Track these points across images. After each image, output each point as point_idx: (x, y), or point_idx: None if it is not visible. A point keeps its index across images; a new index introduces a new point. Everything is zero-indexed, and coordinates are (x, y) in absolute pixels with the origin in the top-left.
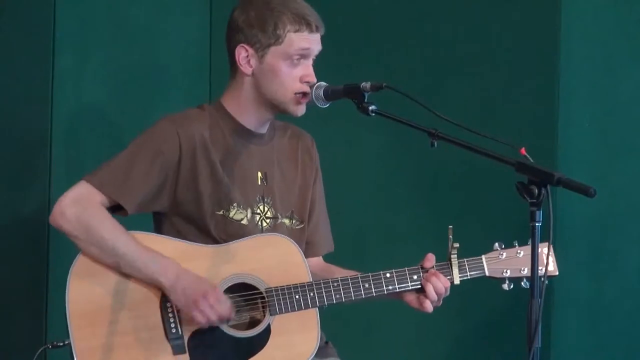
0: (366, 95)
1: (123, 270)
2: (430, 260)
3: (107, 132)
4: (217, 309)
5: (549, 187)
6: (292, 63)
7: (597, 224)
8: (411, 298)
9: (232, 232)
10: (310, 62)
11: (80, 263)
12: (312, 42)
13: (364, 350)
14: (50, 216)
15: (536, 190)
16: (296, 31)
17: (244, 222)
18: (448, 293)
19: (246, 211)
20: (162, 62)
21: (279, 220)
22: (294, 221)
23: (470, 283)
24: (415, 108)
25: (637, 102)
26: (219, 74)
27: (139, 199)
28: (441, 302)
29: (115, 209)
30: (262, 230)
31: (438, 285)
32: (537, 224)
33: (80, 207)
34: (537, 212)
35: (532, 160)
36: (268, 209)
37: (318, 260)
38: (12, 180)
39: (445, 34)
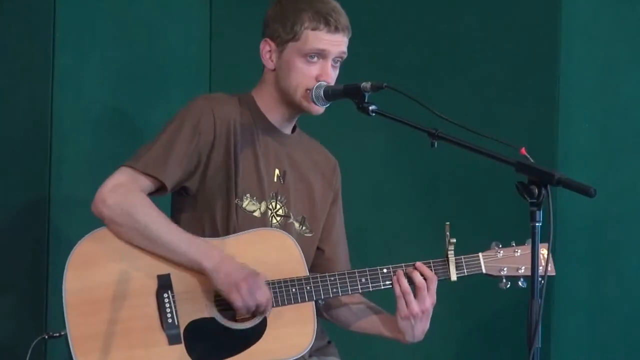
0: (366, 95)
1: (162, 255)
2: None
3: (107, 131)
4: (256, 295)
5: (549, 187)
6: (308, 61)
7: (597, 224)
8: (393, 323)
9: (243, 222)
10: (328, 62)
11: (77, 254)
12: (329, 42)
13: (365, 351)
14: (92, 204)
15: (536, 190)
16: (313, 29)
17: (256, 214)
18: (432, 281)
19: (260, 204)
20: (162, 62)
21: (290, 220)
22: (303, 227)
23: (470, 284)
24: (415, 108)
25: (637, 102)
26: (219, 73)
27: (179, 175)
28: (433, 298)
29: (154, 192)
30: (271, 226)
31: (402, 283)
32: (537, 224)
33: (121, 193)
34: (537, 212)
35: (532, 160)
36: (280, 207)
37: None
38: (12, 179)
39: (445, 34)
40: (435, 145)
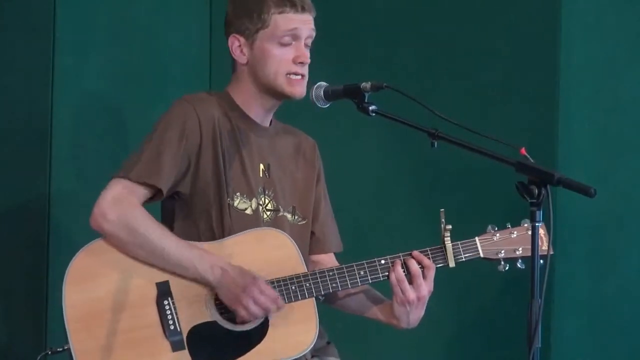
0: (366, 95)
1: (167, 268)
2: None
3: (107, 131)
4: (260, 302)
5: (549, 187)
6: (282, 45)
7: (597, 224)
8: (389, 308)
9: (237, 221)
10: (301, 43)
11: (74, 269)
12: (299, 21)
13: (365, 352)
14: (91, 219)
15: (536, 190)
16: (280, 12)
17: (248, 211)
18: (430, 269)
19: (250, 201)
20: (162, 62)
21: (280, 214)
22: (296, 217)
23: (469, 283)
24: (415, 108)
25: (637, 102)
26: (219, 73)
27: (173, 180)
28: (429, 286)
29: (150, 199)
30: (263, 222)
31: (398, 273)
32: (537, 224)
33: (121, 208)
34: (537, 212)
35: (532, 160)
36: (269, 201)
37: (329, 258)
38: (12, 179)
39: (445, 34)
40: (435, 146)
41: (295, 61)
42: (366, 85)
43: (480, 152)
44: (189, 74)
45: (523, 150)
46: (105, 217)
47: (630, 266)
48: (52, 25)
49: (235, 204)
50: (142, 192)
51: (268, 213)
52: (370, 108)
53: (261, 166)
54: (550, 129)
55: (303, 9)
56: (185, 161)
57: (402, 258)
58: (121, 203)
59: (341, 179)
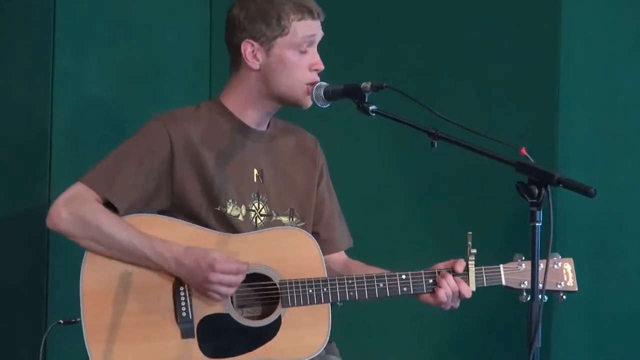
0: (366, 95)
1: (127, 260)
2: (459, 265)
3: (107, 132)
4: (226, 283)
5: (549, 187)
6: (300, 52)
7: (597, 224)
8: (426, 297)
9: (231, 228)
10: (315, 49)
11: None
12: (315, 28)
13: (366, 351)
14: (47, 219)
15: (536, 190)
16: (300, 20)
17: (240, 218)
18: (466, 296)
19: (240, 208)
20: (162, 62)
21: (274, 218)
22: (294, 219)
23: None
24: (415, 108)
25: (637, 102)
26: (219, 73)
27: (131, 199)
28: (458, 304)
29: (110, 208)
30: (256, 227)
31: (447, 289)
32: (537, 224)
33: (74, 204)
34: (537, 212)
35: (532, 160)
36: (263, 207)
37: (339, 256)
38: (12, 180)
39: (445, 34)
40: (435, 146)
41: (311, 68)
42: (366, 85)
43: (480, 152)
44: (189, 74)
45: (523, 150)
46: (59, 215)
47: (630, 266)
48: (52, 25)
49: (228, 211)
50: (98, 197)
51: (262, 218)
52: (370, 108)
53: (255, 171)
54: (550, 129)
55: (318, 15)
56: (152, 179)
57: (423, 275)
58: (74, 200)
59: (341, 179)
